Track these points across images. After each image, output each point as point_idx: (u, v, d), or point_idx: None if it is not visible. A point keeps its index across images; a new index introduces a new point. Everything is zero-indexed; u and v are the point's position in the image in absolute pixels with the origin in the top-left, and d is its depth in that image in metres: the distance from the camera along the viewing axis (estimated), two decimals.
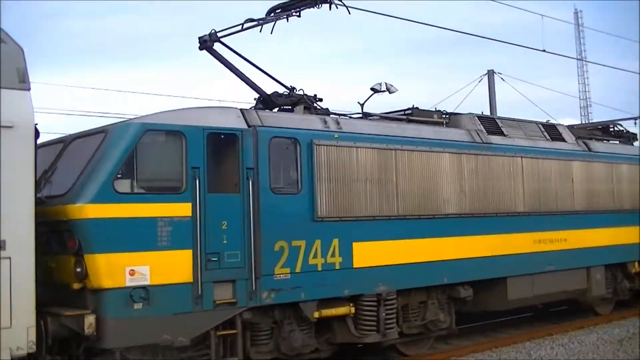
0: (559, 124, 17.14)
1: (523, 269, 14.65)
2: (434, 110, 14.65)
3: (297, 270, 11.07)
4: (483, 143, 14.30)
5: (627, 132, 19.78)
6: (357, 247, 11.86)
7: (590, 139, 18.12)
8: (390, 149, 12.49)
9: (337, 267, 11.58)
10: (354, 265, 11.81)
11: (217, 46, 12.27)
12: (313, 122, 11.79)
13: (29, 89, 8.72)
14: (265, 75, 12.76)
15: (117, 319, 9.40)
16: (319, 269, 11.35)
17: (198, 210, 10.06)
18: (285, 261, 10.93)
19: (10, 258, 8.31)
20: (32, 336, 8.51)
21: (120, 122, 10.23)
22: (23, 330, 8.40)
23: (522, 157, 14.92)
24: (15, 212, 8.42)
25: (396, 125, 13.22)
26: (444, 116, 14.73)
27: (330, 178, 11.57)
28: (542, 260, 15.05)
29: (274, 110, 12.51)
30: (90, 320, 9.27)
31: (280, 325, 11.28)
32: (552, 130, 16.43)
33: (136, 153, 9.75)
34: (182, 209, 9.98)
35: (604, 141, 18.78)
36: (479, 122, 14.72)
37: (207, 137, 10.28)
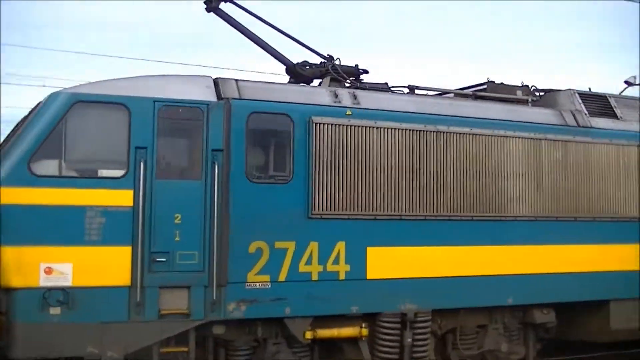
0: None
1: (634, 290, 11.23)
2: (520, 85, 11.62)
3: (282, 278, 8.89)
4: (578, 126, 11.07)
5: None
6: (374, 253, 9.42)
7: None
8: (431, 131, 9.84)
9: (342, 277, 9.24)
10: (368, 276, 9.38)
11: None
12: (317, 94, 9.50)
13: None
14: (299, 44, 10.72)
15: (28, 324, 7.87)
16: (315, 278, 9.08)
17: (142, 199, 8.26)
18: (264, 266, 8.81)
19: None
20: None
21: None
22: None
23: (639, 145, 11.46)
24: None
25: (447, 101, 10.49)
26: (536, 93, 11.68)
27: (336, 165, 9.23)
28: None
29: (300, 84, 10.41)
30: None
31: (264, 344, 9.19)
32: None
33: (65, 128, 8.15)
34: (120, 197, 8.24)
35: None
36: (580, 101, 11.47)
37: (159, 110, 8.44)
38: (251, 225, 8.74)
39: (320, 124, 9.16)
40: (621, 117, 11.61)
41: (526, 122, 10.64)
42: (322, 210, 9.12)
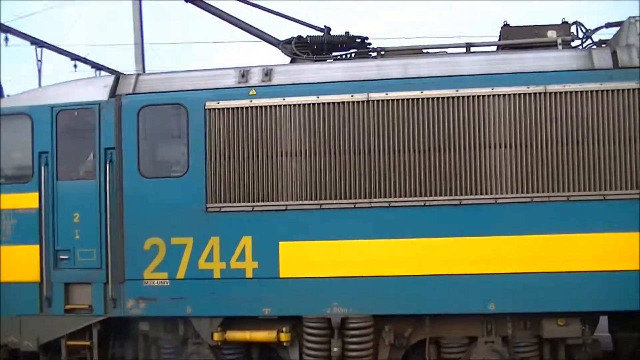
0: None
1: None
2: (558, 24, 8.71)
3: (180, 275, 8.49)
4: (614, 68, 7.91)
5: None
6: (287, 248, 8.31)
7: None
8: (361, 100, 8.22)
9: (250, 275, 8.37)
10: (281, 275, 8.32)
11: None
12: (222, 77, 8.71)
13: None
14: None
15: None
16: (217, 275, 8.43)
17: (44, 201, 8.84)
18: (161, 263, 8.54)
19: None
20: None
21: None
22: None
23: None
24: None
25: (395, 62, 8.50)
26: (583, 31, 8.68)
27: (236, 152, 8.41)
28: None
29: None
30: None
31: (184, 343, 8.85)
32: None
33: None
34: (28, 200, 8.93)
35: None
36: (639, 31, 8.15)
37: (56, 116, 8.88)
38: (146, 221, 8.56)
39: (214, 109, 8.46)
40: None
41: (516, 73, 8.04)
42: (221, 202, 8.41)
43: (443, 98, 8.08)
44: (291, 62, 9.33)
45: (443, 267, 8.01)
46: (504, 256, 7.91)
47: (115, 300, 8.66)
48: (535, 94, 7.94)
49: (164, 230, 8.52)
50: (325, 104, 8.29)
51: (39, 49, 17.60)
